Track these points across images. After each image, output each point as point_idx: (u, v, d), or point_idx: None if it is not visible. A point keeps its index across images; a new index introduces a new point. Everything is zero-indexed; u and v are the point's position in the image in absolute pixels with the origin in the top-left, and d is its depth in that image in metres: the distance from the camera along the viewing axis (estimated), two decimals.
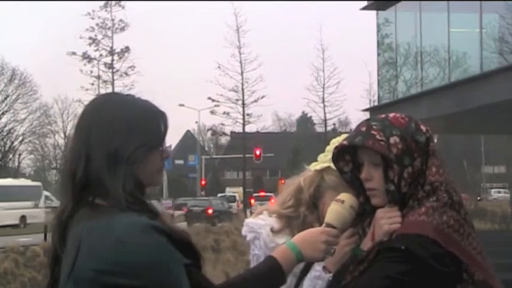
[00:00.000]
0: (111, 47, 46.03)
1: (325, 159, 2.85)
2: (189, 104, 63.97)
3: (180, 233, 2.02)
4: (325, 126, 50.11)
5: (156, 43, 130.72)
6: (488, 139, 63.62)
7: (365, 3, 27.49)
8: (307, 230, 2.34)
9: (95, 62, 45.97)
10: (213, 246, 22.05)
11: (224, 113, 45.68)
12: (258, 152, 47.61)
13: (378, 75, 27.67)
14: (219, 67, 44.33)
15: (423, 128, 2.35)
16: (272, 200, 3.12)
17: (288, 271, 2.21)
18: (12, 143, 68.77)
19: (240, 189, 54.87)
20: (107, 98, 2.19)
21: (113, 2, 46.17)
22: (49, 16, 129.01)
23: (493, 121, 23.36)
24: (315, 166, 2.89)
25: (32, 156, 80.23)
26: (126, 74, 45.98)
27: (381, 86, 27.45)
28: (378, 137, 2.28)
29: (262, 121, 49.92)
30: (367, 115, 29.66)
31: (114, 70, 45.93)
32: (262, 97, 44.78)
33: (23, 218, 39.35)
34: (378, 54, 27.42)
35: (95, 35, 45.95)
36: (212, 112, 46.59)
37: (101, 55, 46.13)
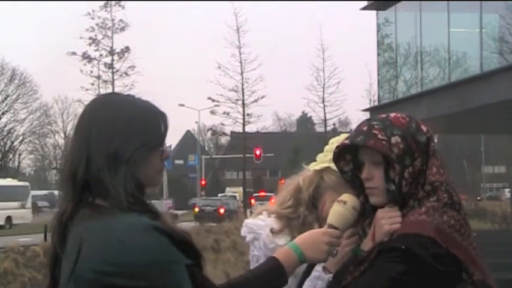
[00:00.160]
0: (111, 47, 46.04)
1: (324, 159, 2.85)
2: (189, 104, 64.02)
3: (181, 234, 2.02)
4: (325, 126, 50.13)
5: (156, 43, 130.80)
6: (488, 139, 63.60)
7: (365, 3, 27.48)
8: (310, 231, 2.33)
9: (95, 62, 45.99)
10: (213, 246, 22.05)
11: (224, 113, 45.70)
12: (258, 152, 47.61)
13: (378, 75, 27.66)
14: (219, 67, 44.36)
15: (424, 128, 2.35)
16: (272, 200, 3.12)
17: (290, 272, 2.21)
18: (12, 143, 68.76)
19: (240, 189, 54.88)
20: (106, 98, 2.19)
21: (113, 2, 46.18)
22: (49, 16, 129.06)
23: (493, 121, 23.37)
24: (314, 166, 2.89)
25: (32, 156, 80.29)
26: (126, 74, 45.99)
27: (381, 86, 27.45)
28: (379, 136, 2.28)
29: (262, 121, 49.91)
30: (367, 115, 29.67)
31: (114, 70, 45.94)
32: (262, 97, 44.80)
33: (8, 218, 38.75)
34: (378, 54, 27.42)
35: (95, 35, 45.98)
36: (212, 112, 46.60)
37: (101, 55, 46.15)
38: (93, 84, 45.63)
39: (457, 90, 20.91)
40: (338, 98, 54.74)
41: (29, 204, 41.47)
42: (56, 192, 48.80)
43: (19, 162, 77.58)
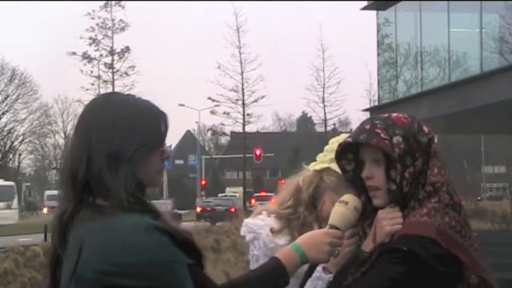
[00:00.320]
0: (111, 47, 46.08)
1: (324, 159, 2.84)
2: (189, 104, 63.99)
3: (183, 233, 2.02)
4: (325, 126, 50.15)
5: (156, 43, 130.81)
6: (488, 139, 63.61)
7: (365, 3, 27.48)
8: (311, 232, 2.33)
9: (95, 62, 46.06)
10: (213, 246, 22.04)
11: (224, 113, 45.73)
12: (258, 152, 47.63)
13: (378, 75, 27.66)
14: (219, 67, 44.40)
15: (425, 128, 2.35)
16: (272, 200, 3.12)
17: (291, 272, 2.20)
18: (13, 143, 68.79)
19: (240, 189, 54.90)
20: (107, 98, 2.18)
21: (113, 2, 46.24)
22: (49, 16, 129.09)
23: (493, 121, 23.36)
24: (314, 166, 2.89)
25: (32, 156, 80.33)
26: (126, 74, 46.06)
27: (381, 86, 27.45)
28: (382, 135, 2.28)
29: (263, 121, 50.00)
30: (367, 115, 29.66)
31: (114, 70, 45.99)
32: (262, 97, 44.84)
33: None
34: (378, 54, 27.41)
35: (95, 35, 46.04)
36: (212, 112, 46.65)
37: (101, 55, 46.20)
38: (93, 84, 45.73)
39: (457, 90, 20.91)
40: (338, 98, 54.81)
41: (15, 204, 40.99)
42: None
43: (19, 162, 77.63)
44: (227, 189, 67.65)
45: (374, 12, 27.17)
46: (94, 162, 2.03)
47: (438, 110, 21.63)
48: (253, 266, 2.80)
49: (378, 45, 27.23)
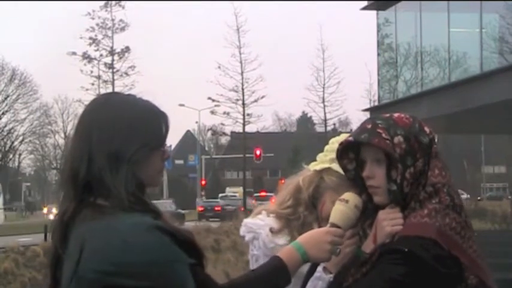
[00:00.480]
0: (111, 47, 46.06)
1: (324, 159, 2.84)
2: (189, 104, 63.99)
3: (184, 233, 2.02)
4: (325, 126, 50.10)
5: (156, 43, 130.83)
6: (488, 139, 63.62)
7: (365, 3, 27.47)
8: (312, 231, 2.33)
9: (95, 62, 46.02)
10: (213, 246, 22.03)
11: (224, 113, 45.66)
12: (258, 152, 47.64)
13: (378, 75, 27.66)
14: (219, 67, 44.32)
15: (427, 129, 2.35)
16: (273, 200, 3.12)
17: (293, 272, 2.20)
18: (13, 143, 68.85)
19: (240, 189, 54.88)
20: (107, 98, 2.18)
21: (113, 2, 46.20)
22: (49, 16, 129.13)
23: (493, 121, 23.36)
24: (314, 166, 2.88)
25: (32, 156, 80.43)
26: (126, 74, 46.02)
27: (381, 86, 27.45)
28: (383, 135, 2.28)
29: (263, 121, 49.94)
30: (367, 115, 29.65)
31: (115, 70, 45.96)
32: (262, 97, 44.76)
33: None
34: (378, 54, 27.41)
35: (95, 35, 46.00)
36: (212, 112, 46.58)
37: (101, 55, 46.17)
38: (93, 84, 45.70)
39: (457, 90, 20.90)
40: (338, 98, 54.66)
41: (0, 204, 40.92)
42: None
43: (19, 162, 77.72)
44: (227, 189, 67.67)
45: (374, 12, 27.16)
46: (95, 162, 2.03)
47: (438, 110, 21.63)
48: (252, 266, 2.79)
49: (378, 45, 27.23)
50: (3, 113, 65.04)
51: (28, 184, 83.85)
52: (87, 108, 2.14)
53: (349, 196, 2.35)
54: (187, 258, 1.98)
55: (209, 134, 72.92)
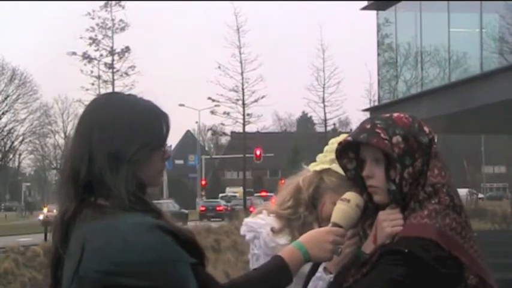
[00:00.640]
0: (112, 47, 46.05)
1: (324, 160, 2.84)
2: (189, 104, 64.01)
3: (185, 232, 2.02)
4: (326, 126, 50.08)
5: (156, 43, 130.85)
6: (488, 139, 63.63)
7: (365, 3, 27.47)
8: (314, 230, 2.33)
9: (95, 62, 46.01)
10: (213, 246, 22.04)
11: (224, 113, 45.64)
12: (258, 152, 47.66)
13: (378, 75, 27.65)
14: (219, 67, 44.31)
15: (426, 129, 2.35)
16: (273, 200, 3.12)
17: (294, 271, 2.20)
18: (13, 143, 68.88)
19: (240, 189, 54.91)
20: (108, 98, 2.18)
21: (113, 2, 46.19)
22: (49, 16, 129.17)
23: (493, 121, 23.36)
24: (314, 166, 2.88)
25: (32, 156, 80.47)
26: (126, 74, 46.01)
27: (381, 86, 27.45)
28: (382, 135, 2.29)
29: (263, 121, 49.94)
30: (367, 115, 29.65)
31: (115, 70, 45.95)
32: (263, 97, 44.74)
33: None
34: (378, 54, 27.41)
35: (95, 35, 45.99)
36: (212, 112, 46.56)
37: (101, 55, 46.17)
38: (93, 84, 45.69)
39: (457, 90, 20.90)
40: (338, 98, 54.64)
41: None
42: None
43: (19, 162, 77.75)
44: (227, 189, 67.70)
45: (374, 12, 27.16)
46: (95, 162, 2.03)
47: (438, 110, 21.63)
48: (253, 265, 2.80)
49: (378, 45, 27.23)
50: (3, 113, 65.08)
51: (28, 184, 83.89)
52: (88, 108, 2.14)
53: (351, 195, 2.35)
54: (189, 257, 1.98)
55: (209, 134, 73.00)
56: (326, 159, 2.81)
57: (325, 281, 2.45)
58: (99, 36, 46.04)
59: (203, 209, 49.63)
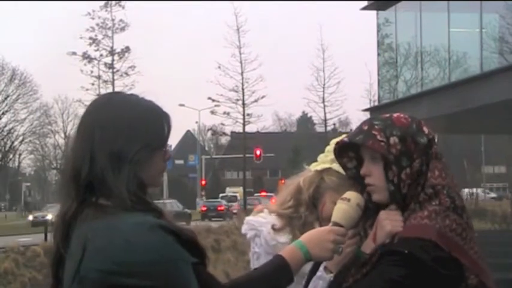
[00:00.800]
0: (112, 47, 46.06)
1: (325, 160, 2.85)
2: (189, 104, 63.95)
3: (186, 232, 2.02)
4: (326, 126, 50.11)
5: (156, 43, 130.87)
6: (488, 139, 63.59)
7: (365, 3, 27.47)
8: (315, 229, 2.34)
9: (95, 62, 46.03)
10: (214, 246, 22.03)
11: (224, 113, 45.67)
12: (258, 152, 47.67)
13: (378, 75, 27.65)
14: (219, 67, 44.34)
15: (425, 129, 2.34)
16: (273, 200, 3.12)
17: (295, 270, 2.20)
18: (13, 143, 68.90)
19: (240, 189, 54.92)
20: (109, 97, 2.18)
21: (113, 2, 46.21)
22: (49, 16, 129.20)
23: (493, 121, 23.36)
24: (315, 166, 2.89)
25: (32, 156, 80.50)
26: (126, 74, 46.03)
27: (381, 86, 27.44)
28: (378, 137, 2.29)
29: (263, 121, 49.99)
30: (367, 115, 29.66)
31: (115, 70, 45.97)
32: (263, 97, 44.77)
33: None
34: (378, 54, 27.40)
35: (95, 35, 46.01)
36: (212, 112, 46.59)
37: (101, 55, 46.18)
38: (93, 84, 45.71)
39: (457, 90, 20.90)
40: (338, 98, 54.65)
41: None
42: None
43: (19, 162, 77.77)
44: (227, 189, 67.65)
45: (374, 12, 27.16)
46: (96, 162, 2.03)
47: (438, 110, 21.62)
48: (253, 264, 2.80)
49: (378, 45, 27.22)
50: (3, 113, 65.09)
51: (28, 184, 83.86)
52: (89, 108, 2.14)
53: (351, 195, 2.35)
54: (190, 257, 1.98)
55: (209, 134, 72.98)
56: (327, 159, 2.82)
57: (326, 281, 2.46)
58: (99, 36, 46.10)
59: (205, 209, 49.68)
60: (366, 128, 2.33)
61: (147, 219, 1.97)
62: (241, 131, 46.75)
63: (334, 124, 63.43)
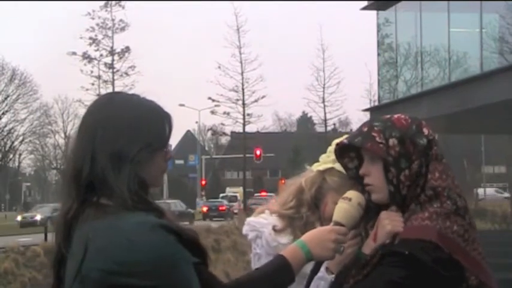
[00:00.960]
0: (112, 47, 46.09)
1: (327, 160, 2.85)
2: (189, 104, 63.98)
3: (188, 232, 2.02)
4: (326, 126, 50.16)
5: (156, 43, 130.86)
6: (488, 139, 63.55)
7: (365, 3, 27.48)
8: (316, 229, 2.33)
9: (95, 62, 46.06)
10: (214, 246, 22.06)
11: (224, 113, 45.72)
12: (258, 152, 47.69)
13: (378, 75, 27.65)
14: (219, 67, 44.40)
15: (425, 130, 2.33)
16: (273, 200, 3.12)
17: (297, 270, 2.20)
18: (13, 143, 68.90)
19: (240, 189, 54.93)
20: (110, 97, 2.18)
21: (113, 2, 46.23)
22: (49, 16, 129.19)
23: (493, 121, 23.36)
24: (317, 166, 2.89)
25: (32, 156, 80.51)
26: (126, 74, 46.06)
27: (381, 86, 27.44)
28: (377, 139, 2.29)
29: (263, 121, 50.04)
30: (367, 115, 29.70)
31: (115, 70, 46.00)
32: (263, 97, 44.84)
33: None
34: (378, 54, 27.41)
35: (95, 35, 46.03)
36: (212, 112, 46.64)
37: (101, 55, 46.21)
38: (93, 84, 45.73)
39: (457, 90, 20.90)
40: (338, 98, 54.74)
41: None
42: None
43: (19, 162, 77.80)
44: (227, 189, 67.66)
45: (374, 12, 27.16)
46: (97, 161, 2.03)
47: (438, 110, 21.63)
48: (254, 264, 2.80)
49: (378, 45, 27.23)
50: (3, 113, 65.07)
51: (28, 184, 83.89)
52: (90, 108, 2.14)
53: (352, 194, 2.35)
54: (192, 257, 1.98)
55: (209, 134, 73.04)
56: (329, 159, 2.82)
57: (327, 281, 2.46)
58: (99, 36, 46.12)
59: (206, 209, 49.73)
60: (365, 129, 2.33)
61: (148, 219, 1.97)
62: (241, 131, 46.80)
63: (334, 124, 63.50)
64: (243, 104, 44.85)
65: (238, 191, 59.02)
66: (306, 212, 2.85)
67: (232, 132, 54.61)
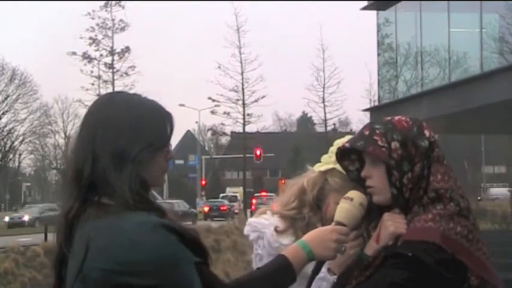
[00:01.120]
0: (112, 47, 46.12)
1: (329, 161, 2.85)
2: (189, 104, 63.96)
3: (190, 231, 2.02)
4: (326, 126, 50.17)
5: (156, 43, 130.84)
6: (488, 139, 63.59)
7: (365, 3, 27.48)
8: (318, 229, 2.33)
9: (95, 62, 46.10)
10: (214, 246, 22.06)
11: (224, 113, 45.76)
12: (258, 152, 47.69)
13: (378, 75, 27.65)
14: (219, 67, 44.45)
15: (427, 132, 2.33)
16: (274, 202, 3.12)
17: (298, 270, 2.20)
18: (13, 143, 68.89)
19: (240, 189, 54.96)
20: (111, 97, 2.18)
21: (113, 2, 46.28)
22: (49, 16, 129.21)
23: (493, 121, 23.36)
24: (319, 167, 2.89)
25: (32, 156, 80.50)
26: (126, 74, 46.11)
27: (381, 86, 27.44)
28: (379, 142, 2.29)
29: (263, 121, 50.10)
30: (367, 115, 29.71)
31: (115, 70, 46.03)
32: (263, 97, 44.89)
33: None
34: (378, 54, 27.41)
35: (95, 35, 46.08)
36: (212, 112, 46.69)
37: (101, 55, 46.25)
38: (93, 84, 45.77)
39: (457, 90, 20.91)
40: (338, 98, 54.77)
41: None
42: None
43: (19, 162, 77.81)
44: (227, 189, 67.66)
45: (374, 12, 27.17)
46: (99, 161, 2.03)
47: (438, 110, 21.63)
48: (256, 265, 2.79)
49: (378, 45, 27.23)
50: (3, 113, 65.06)
51: (28, 184, 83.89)
52: (91, 108, 2.14)
53: (354, 194, 2.35)
54: (193, 256, 1.98)
55: (209, 134, 73.08)
56: (331, 160, 2.82)
57: (329, 282, 2.45)
58: (99, 36, 46.17)
59: (208, 209, 49.76)
60: (367, 133, 2.32)
61: (150, 219, 1.97)
62: (241, 131, 46.83)
63: (334, 124, 63.49)
64: (243, 104, 44.88)
65: (238, 191, 59.04)
66: (308, 212, 2.85)
67: (232, 132, 54.66)
